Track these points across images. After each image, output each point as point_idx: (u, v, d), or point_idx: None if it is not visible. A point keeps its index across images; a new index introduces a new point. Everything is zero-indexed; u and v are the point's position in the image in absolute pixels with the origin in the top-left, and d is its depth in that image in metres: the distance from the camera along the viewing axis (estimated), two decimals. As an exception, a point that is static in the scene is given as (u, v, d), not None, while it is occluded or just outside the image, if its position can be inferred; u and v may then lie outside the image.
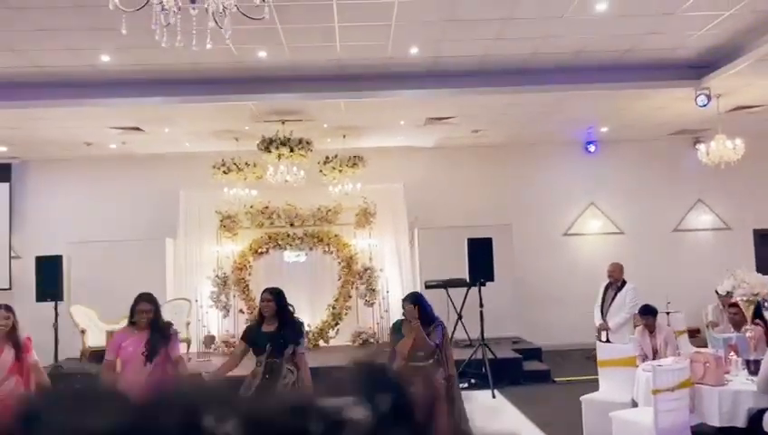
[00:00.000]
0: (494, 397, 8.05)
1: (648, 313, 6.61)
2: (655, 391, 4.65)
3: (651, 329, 6.58)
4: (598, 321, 7.42)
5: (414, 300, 4.96)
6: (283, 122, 9.46)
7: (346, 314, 11.13)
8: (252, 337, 4.69)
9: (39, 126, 9.47)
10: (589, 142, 12.34)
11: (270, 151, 9.40)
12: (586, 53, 7.75)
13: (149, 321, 4.57)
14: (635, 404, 5.57)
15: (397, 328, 5.01)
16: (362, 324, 11.02)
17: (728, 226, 12.47)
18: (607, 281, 7.54)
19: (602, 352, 6.31)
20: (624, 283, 7.37)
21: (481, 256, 8.74)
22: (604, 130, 11.45)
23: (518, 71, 8.24)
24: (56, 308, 8.72)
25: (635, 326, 6.94)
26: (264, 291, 4.76)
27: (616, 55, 7.89)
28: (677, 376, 4.71)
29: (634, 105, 9.61)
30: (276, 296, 4.68)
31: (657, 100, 9.23)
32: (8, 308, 4.82)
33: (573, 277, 12.12)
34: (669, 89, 8.61)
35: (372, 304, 11.08)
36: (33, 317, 9.21)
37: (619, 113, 10.17)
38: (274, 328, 4.60)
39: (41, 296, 8.40)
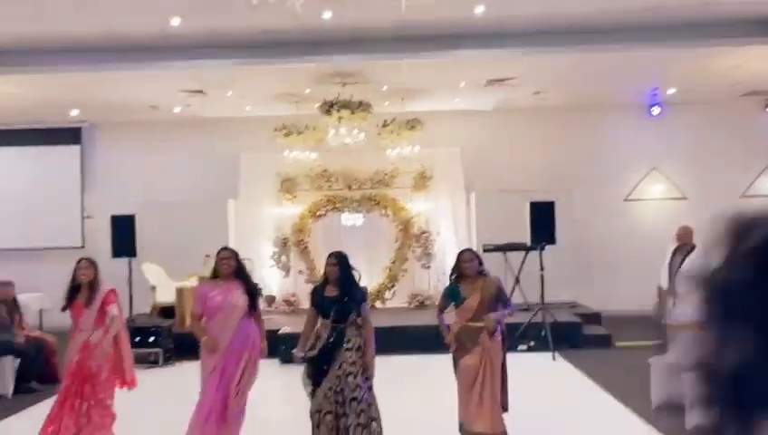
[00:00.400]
0: (554, 359, 8.07)
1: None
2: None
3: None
4: (664, 285, 7.28)
5: (473, 251, 4.87)
6: (344, 85, 9.49)
7: (402, 276, 11.27)
8: (317, 300, 4.73)
9: (108, 89, 9.77)
10: (653, 104, 11.94)
11: (330, 114, 9.48)
12: (661, 9, 7.45)
13: (234, 270, 4.66)
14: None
15: (450, 292, 4.87)
16: (418, 286, 11.13)
17: (802, 192, 11.97)
18: (674, 245, 7.36)
19: (673, 315, 6.21)
20: (693, 247, 7.17)
21: (543, 220, 8.67)
22: (671, 91, 11.07)
23: (586, 29, 8.01)
24: (130, 265, 9.12)
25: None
26: (330, 255, 4.75)
27: (692, 11, 7.56)
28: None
29: (706, 64, 9.24)
30: (341, 261, 4.71)
31: (733, 58, 8.84)
32: (90, 261, 5.06)
33: (633, 243, 11.90)
34: (747, 47, 8.23)
35: (428, 268, 11.17)
36: (106, 274, 9.65)
37: (690, 73, 9.79)
38: (337, 293, 4.62)
39: (116, 253, 8.80)
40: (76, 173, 12.10)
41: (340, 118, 9.43)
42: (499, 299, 4.72)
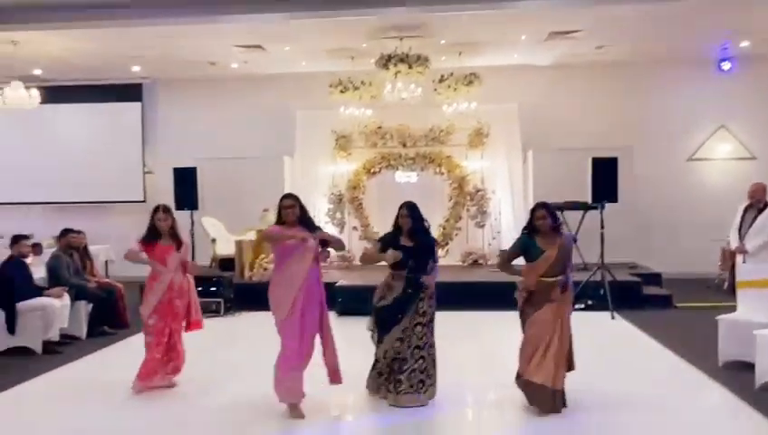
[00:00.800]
0: (613, 318, 7.96)
1: (796, 235, 6.23)
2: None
3: (798, 252, 6.21)
4: (734, 244, 7.06)
5: (546, 206, 4.65)
6: (401, 39, 9.35)
7: (456, 234, 11.23)
8: (392, 247, 4.69)
9: (169, 45, 9.90)
10: (723, 59, 11.37)
11: (388, 68, 9.39)
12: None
13: (297, 218, 4.61)
14: (779, 326, 5.32)
15: (525, 243, 4.67)
16: (472, 245, 11.08)
17: None
18: (746, 203, 7.10)
19: (743, 273, 6.02)
20: (766, 205, 6.92)
21: (605, 177, 8.45)
22: (744, 44, 10.49)
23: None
24: (192, 217, 9.36)
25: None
26: (402, 206, 4.74)
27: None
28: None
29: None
30: (412, 212, 4.70)
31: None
32: (166, 209, 5.23)
33: (696, 205, 11.55)
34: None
35: (483, 226, 11.08)
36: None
37: (766, 24, 9.24)
38: (413, 244, 4.65)
39: (179, 205, 9.01)
40: (137, 129, 12.42)
41: (397, 72, 9.33)
42: (569, 257, 4.67)
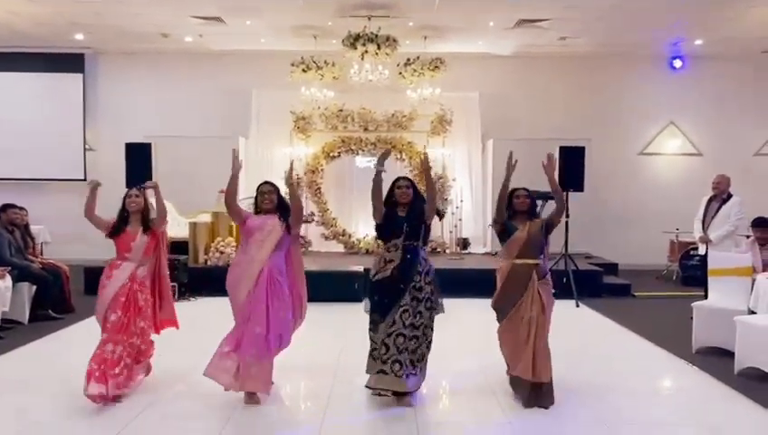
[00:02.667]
0: (577, 306, 8.02)
1: (762, 225, 6.38)
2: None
3: (763, 242, 6.38)
4: (698, 234, 7.23)
5: (527, 189, 4.74)
6: (370, 18, 9.08)
7: (415, 222, 11.06)
8: (389, 221, 4.49)
9: (120, 12, 9.21)
10: (675, 57, 11.71)
11: (356, 48, 9.09)
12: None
13: (275, 205, 4.49)
14: (752, 313, 5.44)
15: (507, 226, 4.66)
16: (431, 233, 10.93)
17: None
18: (710, 194, 7.28)
19: (715, 261, 6.14)
20: (729, 196, 7.11)
21: (572, 166, 8.49)
22: (698, 42, 10.81)
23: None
24: (145, 196, 8.75)
25: (747, 238, 6.74)
26: (401, 178, 4.58)
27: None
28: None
29: (748, 13, 8.95)
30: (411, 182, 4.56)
31: (772, 8, 8.61)
32: (140, 189, 4.78)
33: (646, 198, 11.87)
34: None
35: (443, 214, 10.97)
36: (116, 206, 9.34)
37: (725, 23, 9.52)
38: (406, 213, 4.49)
39: (130, 184, 8.38)
40: (78, 103, 11.56)
41: (364, 52, 9.05)
42: (547, 231, 4.62)
